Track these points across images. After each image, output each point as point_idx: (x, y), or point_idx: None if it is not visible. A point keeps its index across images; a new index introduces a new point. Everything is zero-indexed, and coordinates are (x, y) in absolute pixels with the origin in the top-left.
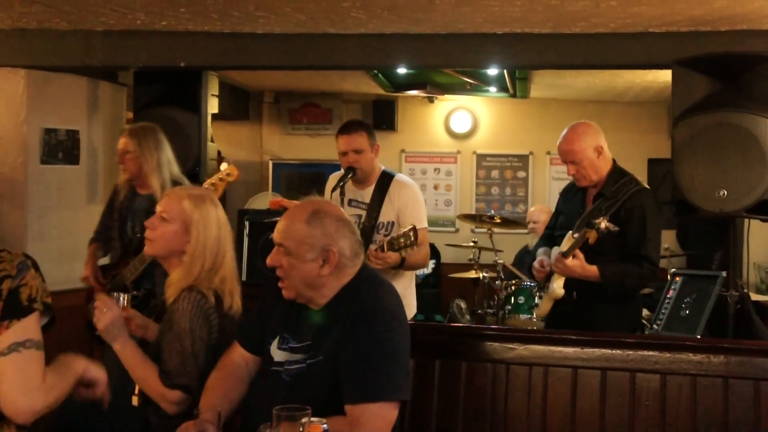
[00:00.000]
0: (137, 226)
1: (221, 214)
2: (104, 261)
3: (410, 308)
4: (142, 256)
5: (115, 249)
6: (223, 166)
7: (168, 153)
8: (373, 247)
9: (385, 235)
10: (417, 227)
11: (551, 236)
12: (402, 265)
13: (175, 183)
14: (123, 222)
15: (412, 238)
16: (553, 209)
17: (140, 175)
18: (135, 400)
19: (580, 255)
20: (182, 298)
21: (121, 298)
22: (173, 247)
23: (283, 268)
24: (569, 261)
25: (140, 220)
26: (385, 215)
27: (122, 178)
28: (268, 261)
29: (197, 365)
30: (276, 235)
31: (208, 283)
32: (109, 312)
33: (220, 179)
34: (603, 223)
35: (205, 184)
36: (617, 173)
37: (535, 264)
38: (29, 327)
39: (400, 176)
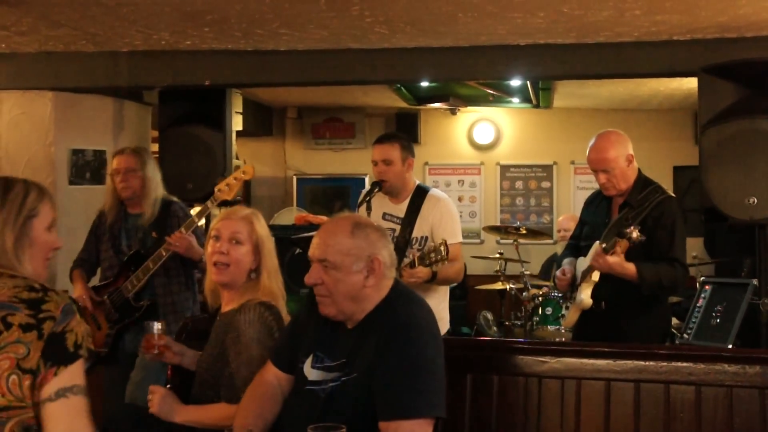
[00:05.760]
0: (134, 245)
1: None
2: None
3: (443, 323)
4: (145, 267)
5: (111, 268)
6: (239, 163)
7: (159, 174)
8: (406, 260)
9: (419, 250)
10: (449, 242)
11: (576, 246)
12: (433, 280)
13: (168, 203)
14: (116, 242)
15: (443, 253)
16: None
17: (141, 194)
18: None
19: (620, 252)
20: (245, 309)
21: (155, 327)
22: (246, 268)
23: (325, 284)
24: (610, 257)
25: (137, 239)
26: (419, 230)
27: (121, 197)
28: (307, 280)
29: None
30: (316, 252)
31: (271, 297)
32: (155, 396)
33: (235, 178)
34: (635, 233)
35: (221, 185)
36: (643, 182)
37: (558, 273)
38: (75, 373)
39: (435, 191)
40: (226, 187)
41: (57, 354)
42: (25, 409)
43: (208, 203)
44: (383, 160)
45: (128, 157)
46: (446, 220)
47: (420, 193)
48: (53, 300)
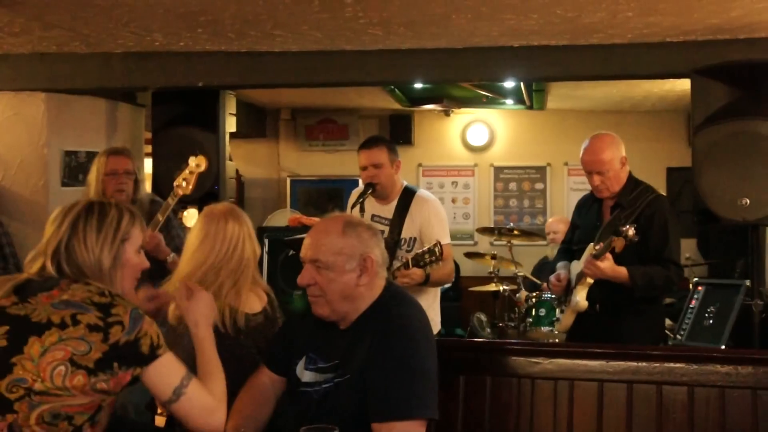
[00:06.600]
0: None
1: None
2: None
3: (434, 324)
4: None
5: None
6: (192, 159)
7: None
8: (397, 263)
9: (408, 251)
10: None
11: (569, 250)
12: (426, 282)
13: (150, 201)
14: None
15: (437, 254)
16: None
17: (131, 197)
18: (160, 421)
19: (610, 257)
20: None
21: None
22: None
23: (318, 284)
24: (600, 262)
25: None
26: (407, 231)
27: (114, 201)
28: (300, 281)
29: None
30: (308, 253)
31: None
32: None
33: (190, 172)
34: (631, 231)
35: (178, 180)
36: (632, 183)
37: (552, 278)
38: (172, 369)
39: (422, 192)
40: (184, 182)
41: (131, 357)
42: (62, 398)
43: (169, 200)
44: (373, 165)
45: (126, 159)
46: (434, 221)
47: (407, 194)
48: (121, 305)
